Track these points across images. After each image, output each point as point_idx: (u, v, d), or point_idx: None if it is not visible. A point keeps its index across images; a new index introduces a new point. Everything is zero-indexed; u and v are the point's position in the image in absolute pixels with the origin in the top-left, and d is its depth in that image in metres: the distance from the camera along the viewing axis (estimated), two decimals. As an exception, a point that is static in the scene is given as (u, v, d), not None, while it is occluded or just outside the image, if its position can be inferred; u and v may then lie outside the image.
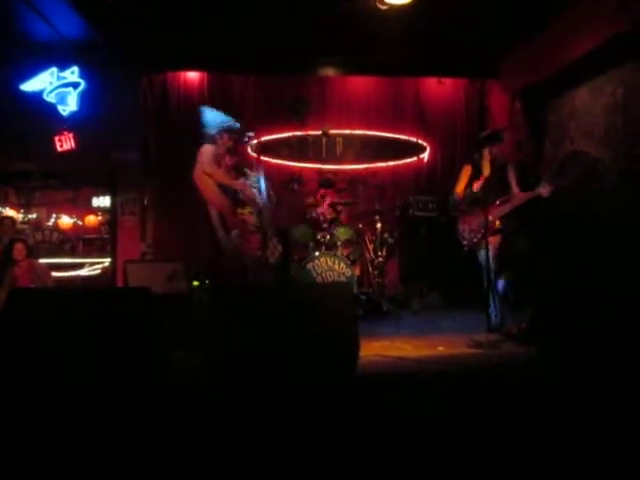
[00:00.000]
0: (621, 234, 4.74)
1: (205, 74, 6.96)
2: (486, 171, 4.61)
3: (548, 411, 2.34)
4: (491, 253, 4.34)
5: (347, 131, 7.04)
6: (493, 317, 4.15)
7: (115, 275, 6.45)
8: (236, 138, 4.33)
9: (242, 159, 4.75)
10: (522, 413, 2.34)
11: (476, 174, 4.62)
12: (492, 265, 4.29)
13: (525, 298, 4.21)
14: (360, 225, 5.91)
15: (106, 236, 6.87)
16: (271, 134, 6.89)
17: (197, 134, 6.80)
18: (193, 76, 6.97)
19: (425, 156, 7.32)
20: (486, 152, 4.62)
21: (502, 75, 7.02)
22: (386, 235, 5.99)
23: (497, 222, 4.46)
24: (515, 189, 4.54)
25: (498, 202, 4.48)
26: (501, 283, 4.31)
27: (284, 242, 4.50)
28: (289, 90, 7.00)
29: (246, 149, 5.15)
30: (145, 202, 6.77)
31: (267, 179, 4.29)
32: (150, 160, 6.77)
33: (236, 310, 2.50)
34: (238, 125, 4.35)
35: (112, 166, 6.59)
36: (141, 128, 6.75)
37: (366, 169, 7.07)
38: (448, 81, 7.37)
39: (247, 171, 4.33)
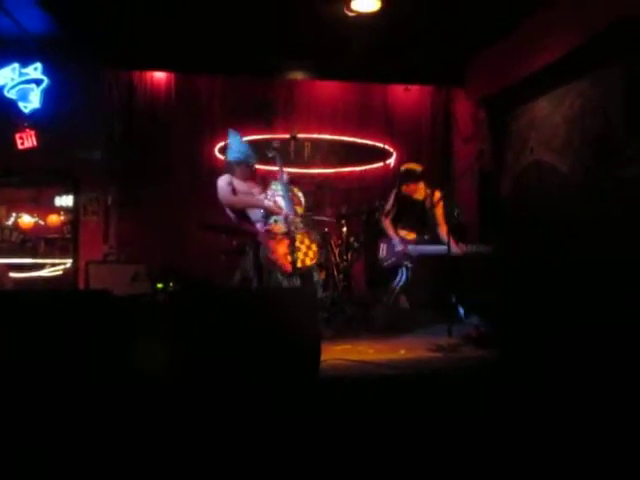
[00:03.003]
0: (578, 241, 4.90)
1: (172, 74, 6.91)
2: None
3: (507, 412, 2.41)
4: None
5: (315, 135, 7.07)
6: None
7: (77, 276, 6.33)
8: (253, 165, 4.70)
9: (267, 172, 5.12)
10: (482, 414, 2.40)
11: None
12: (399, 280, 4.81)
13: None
14: (326, 229, 5.93)
15: (68, 236, 6.72)
16: (238, 136, 6.88)
17: (163, 134, 6.79)
18: (160, 76, 6.89)
19: (392, 162, 7.41)
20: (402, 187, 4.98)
21: (466, 83, 7.16)
22: (352, 239, 6.02)
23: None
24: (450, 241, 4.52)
25: (425, 237, 4.76)
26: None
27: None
28: (257, 93, 6.99)
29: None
30: (109, 202, 6.66)
31: (289, 187, 4.54)
32: (114, 159, 6.67)
33: (196, 313, 2.50)
34: (254, 161, 4.72)
35: (75, 165, 6.47)
36: (106, 127, 6.64)
37: (333, 173, 7.12)
38: (415, 88, 7.48)
39: (272, 182, 4.57)
